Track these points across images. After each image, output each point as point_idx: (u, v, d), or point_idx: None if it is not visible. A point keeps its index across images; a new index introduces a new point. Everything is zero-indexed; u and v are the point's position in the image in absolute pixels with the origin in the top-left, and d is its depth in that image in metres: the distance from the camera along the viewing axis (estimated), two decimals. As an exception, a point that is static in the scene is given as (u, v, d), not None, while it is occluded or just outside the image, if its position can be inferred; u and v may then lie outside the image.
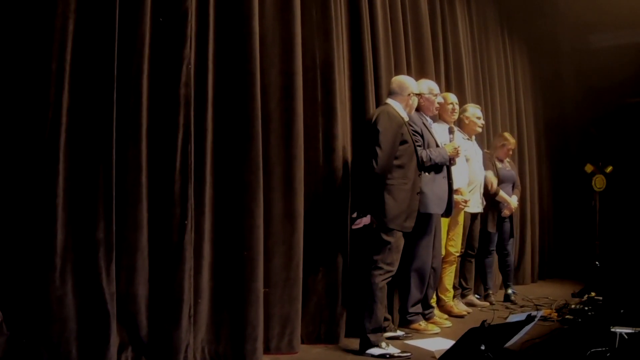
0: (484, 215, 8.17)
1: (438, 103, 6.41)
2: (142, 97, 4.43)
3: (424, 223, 6.02)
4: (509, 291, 8.53)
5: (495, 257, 8.74)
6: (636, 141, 12.31)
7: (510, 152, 8.63)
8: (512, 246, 8.84)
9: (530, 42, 11.95)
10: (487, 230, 8.28)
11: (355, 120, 6.21)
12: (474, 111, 7.76)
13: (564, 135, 13.13)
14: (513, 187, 8.57)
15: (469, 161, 7.52)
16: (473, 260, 8.08)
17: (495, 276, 8.95)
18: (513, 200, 8.44)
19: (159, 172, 4.50)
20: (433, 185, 6.06)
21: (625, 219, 12.07)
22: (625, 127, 12.50)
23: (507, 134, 8.82)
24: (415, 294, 6.25)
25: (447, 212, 6.35)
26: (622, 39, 12.17)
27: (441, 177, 6.18)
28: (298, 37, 5.47)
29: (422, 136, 6.01)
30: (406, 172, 5.51)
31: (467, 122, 7.70)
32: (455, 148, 6.13)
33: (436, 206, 6.15)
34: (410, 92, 5.75)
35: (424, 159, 5.80)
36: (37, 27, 4.01)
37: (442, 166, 6.15)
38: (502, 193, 8.27)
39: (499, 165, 8.40)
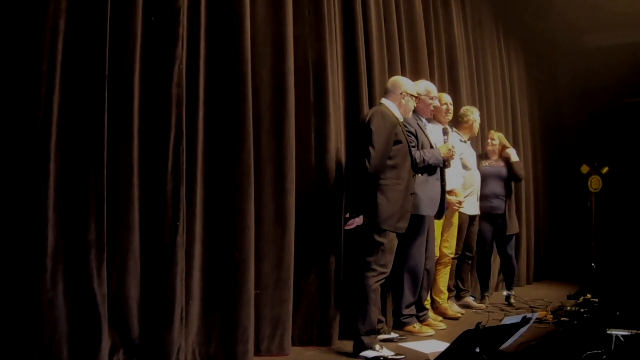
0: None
1: (434, 106, 6.39)
2: (134, 97, 4.42)
3: (416, 225, 5.99)
4: (510, 293, 8.45)
5: (494, 259, 8.73)
6: (632, 142, 12.30)
7: (494, 149, 8.38)
8: (513, 248, 8.61)
9: (526, 42, 11.94)
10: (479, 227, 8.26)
11: (349, 120, 6.19)
12: (477, 115, 7.74)
13: (559, 135, 13.13)
14: (505, 183, 8.28)
15: (468, 163, 7.50)
16: (470, 262, 8.03)
17: (493, 278, 8.91)
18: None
19: (150, 173, 4.49)
20: (425, 187, 6.04)
21: (621, 220, 12.04)
22: (621, 128, 12.48)
23: (491, 132, 8.70)
24: (408, 295, 6.24)
25: (439, 214, 6.33)
26: (618, 38, 12.16)
27: (434, 179, 6.17)
28: (290, 37, 5.45)
29: (416, 137, 5.99)
30: (400, 172, 5.49)
31: (469, 124, 7.67)
32: (450, 149, 6.09)
33: (428, 208, 6.13)
34: (403, 91, 5.71)
35: (417, 160, 5.76)
36: (27, 27, 3.98)
37: (436, 168, 6.13)
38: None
39: (484, 163, 8.27)
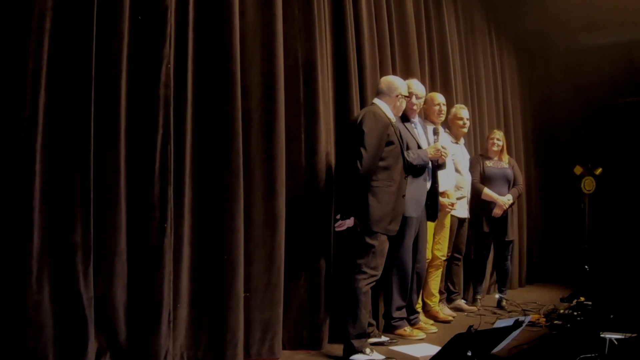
0: (478, 216, 8.09)
1: (422, 105, 6.34)
2: (121, 98, 4.39)
3: (401, 226, 5.84)
4: (502, 296, 8.38)
5: (489, 261, 8.69)
6: (626, 142, 12.26)
7: (498, 148, 8.33)
8: (511, 251, 8.61)
9: (518, 41, 11.90)
10: (483, 230, 8.17)
11: (339, 121, 6.15)
12: (454, 111, 7.69)
13: (552, 136, 13.08)
14: (510, 185, 8.31)
15: (459, 165, 7.45)
16: (460, 264, 7.98)
17: (486, 280, 8.88)
18: (503, 199, 8.14)
19: (137, 174, 4.47)
20: (410, 188, 5.91)
21: (615, 222, 12.01)
22: (615, 128, 12.43)
23: (494, 130, 8.65)
24: (397, 298, 6.18)
25: (433, 216, 6.30)
26: (611, 38, 12.10)
27: (421, 180, 6.10)
28: (280, 36, 5.41)
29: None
30: (391, 174, 5.45)
31: (450, 124, 7.64)
32: (438, 150, 6.04)
33: (412, 209, 6.03)
34: (399, 94, 5.67)
35: None
36: (13, 25, 3.95)
37: (423, 169, 6.07)
38: (487, 191, 8.10)
39: (488, 163, 8.24)
